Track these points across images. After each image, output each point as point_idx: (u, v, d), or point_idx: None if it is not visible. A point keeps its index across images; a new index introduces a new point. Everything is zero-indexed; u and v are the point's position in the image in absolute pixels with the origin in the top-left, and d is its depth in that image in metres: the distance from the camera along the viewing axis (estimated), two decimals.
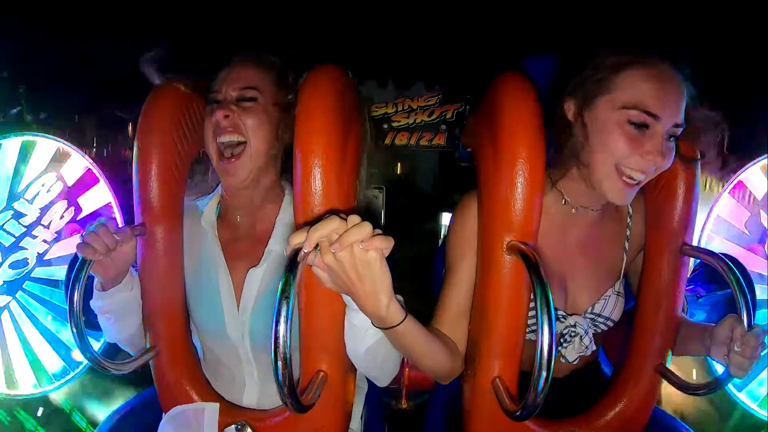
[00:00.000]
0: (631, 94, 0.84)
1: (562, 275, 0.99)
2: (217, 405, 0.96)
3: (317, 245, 0.67)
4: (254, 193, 1.01)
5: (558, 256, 0.98)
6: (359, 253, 0.66)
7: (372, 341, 0.84)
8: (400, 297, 0.86)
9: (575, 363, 1.00)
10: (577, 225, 0.99)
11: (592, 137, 0.88)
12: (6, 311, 1.70)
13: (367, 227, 0.66)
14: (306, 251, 0.65)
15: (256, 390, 1.03)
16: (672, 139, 0.86)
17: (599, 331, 1.02)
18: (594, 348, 1.00)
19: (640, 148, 0.84)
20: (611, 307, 1.00)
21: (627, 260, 1.03)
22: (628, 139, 0.84)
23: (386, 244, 0.67)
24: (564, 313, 0.98)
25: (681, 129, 0.85)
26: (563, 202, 0.98)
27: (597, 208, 0.98)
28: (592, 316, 1.00)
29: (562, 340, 0.98)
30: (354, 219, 0.67)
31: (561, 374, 1.04)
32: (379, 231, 0.68)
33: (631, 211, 1.03)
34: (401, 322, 0.77)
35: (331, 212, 0.71)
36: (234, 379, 1.03)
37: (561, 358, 0.99)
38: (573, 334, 0.98)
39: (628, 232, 1.03)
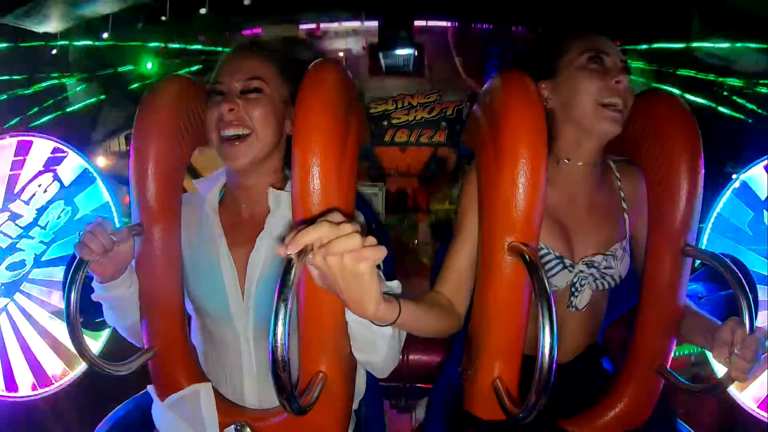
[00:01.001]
0: (579, 45, 1.00)
1: (567, 227, 1.02)
2: (209, 384, 0.97)
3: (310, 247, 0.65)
4: (257, 179, 1.01)
5: (562, 209, 1.02)
6: (348, 264, 0.64)
7: (379, 331, 0.83)
8: (396, 283, 0.85)
9: (584, 310, 1.03)
10: (578, 183, 1.04)
11: (569, 93, 0.99)
12: (4, 313, 1.69)
13: (356, 239, 0.63)
14: (290, 254, 0.62)
15: (256, 380, 1.01)
16: (626, 77, 0.98)
17: (606, 286, 1.03)
18: (602, 289, 1.03)
19: (605, 74, 0.97)
20: (618, 261, 1.02)
21: (629, 221, 1.05)
22: (594, 73, 0.98)
23: (376, 256, 0.64)
24: (571, 262, 1.00)
25: (627, 67, 1.00)
26: (557, 162, 1.03)
27: (590, 162, 1.03)
28: (599, 267, 1.02)
29: (573, 289, 1.01)
30: (345, 229, 0.64)
31: (565, 359, 1.04)
32: (372, 240, 0.65)
33: (618, 174, 1.08)
34: (394, 321, 0.77)
35: (330, 212, 0.70)
36: (234, 370, 1.02)
37: (571, 308, 1.02)
38: (583, 282, 1.01)
39: (621, 194, 1.07)
